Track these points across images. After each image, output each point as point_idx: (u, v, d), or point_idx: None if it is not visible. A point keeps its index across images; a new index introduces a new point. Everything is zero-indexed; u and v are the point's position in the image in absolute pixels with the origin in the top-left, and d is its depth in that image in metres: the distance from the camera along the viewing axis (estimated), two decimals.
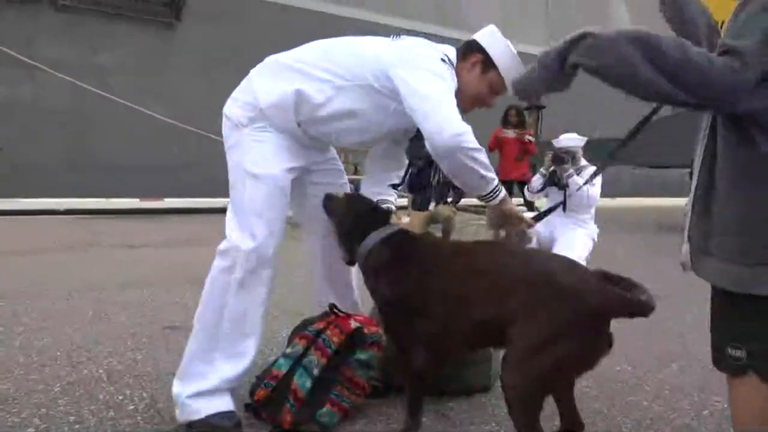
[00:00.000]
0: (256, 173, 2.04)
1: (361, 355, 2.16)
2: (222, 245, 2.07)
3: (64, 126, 11.15)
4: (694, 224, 1.48)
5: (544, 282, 1.72)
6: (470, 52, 2.17)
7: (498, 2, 16.00)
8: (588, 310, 1.68)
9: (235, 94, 2.18)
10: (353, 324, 2.18)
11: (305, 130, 2.14)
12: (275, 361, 2.24)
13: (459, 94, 2.07)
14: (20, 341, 3.02)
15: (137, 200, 10.76)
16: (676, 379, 2.74)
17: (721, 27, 1.54)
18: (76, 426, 2.09)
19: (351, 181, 2.84)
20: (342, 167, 2.50)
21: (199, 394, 2.01)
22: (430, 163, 9.95)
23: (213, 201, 10.51)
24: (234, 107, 2.14)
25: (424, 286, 1.90)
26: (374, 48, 2.11)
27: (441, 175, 9.64)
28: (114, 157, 11.17)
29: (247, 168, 2.06)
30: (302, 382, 2.08)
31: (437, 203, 10.15)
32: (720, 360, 1.48)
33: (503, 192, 2.12)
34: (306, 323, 2.30)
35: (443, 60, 2.06)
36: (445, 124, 1.90)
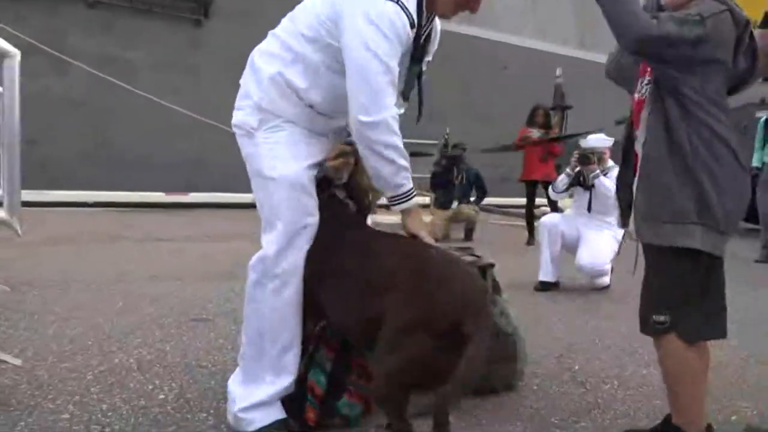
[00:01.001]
0: (274, 176, 1.94)
1: None
2: (253, 258, 1.99)
3: (93, 120, 11.34)
4: (638, 194, 1.83)
5: (410, 280, 1.74)
6: None
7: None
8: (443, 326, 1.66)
9: (236, 103, 2.07)
10: None
11: (320, 111, 2.01)
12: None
13: (435, 4, 1.94)
14: (53, 330, 3.09)
15: (163, 194, 10.90)
16: None
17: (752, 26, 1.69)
18: (109, 413, 2.14)
19: None
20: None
21: (251, 407, 1.98)
22: (453, 163, 10.01)
23: (237, 196, 10.60)
24: (240, 116, 2.03)
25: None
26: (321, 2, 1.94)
27: (464, 175, 9.69)
28: (141, 152, 11.34)
29: (265, 173, 1.96)
30: (318, 379, 2.09)
31: (460, 202, 10.19)
32: (645, 326, 1.85)
33: (412, 202, 1.97)
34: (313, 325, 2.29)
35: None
36: (360, 111, 1.81)
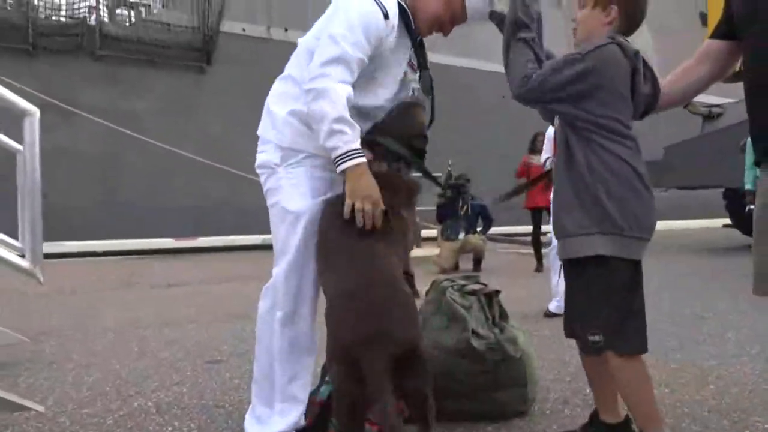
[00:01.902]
0: (293, 210, 2.01)
1: None
2: (266, 285, 2.09)
3: (101, 170, 11.56)
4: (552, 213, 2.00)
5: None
6: None
7: None
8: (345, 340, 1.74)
9: (258, 149, 2.14)
10: None
11: None
12: (316, 389, 2.31)
13: (417, 14, 2.05)
14: (72, 377, 3.15)
15: (172, 240, 11.04)
16: (714, 400, 2.73)
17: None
18: None
19: None
20: None
21: None
22: (458, 194, 10.12)
23: (246, 238, 10.75)
24: (262, 157, 2.10)
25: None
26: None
27: (469, 206, 9.80)
28: (149, 199, 11.52)
29: (285, 206, 2.03)
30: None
31: (467, 233, 10.25)
32: (585, 347, 1.93)
33: (351, 163, 1.86)
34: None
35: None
36: (316, 67, 1.87)
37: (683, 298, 4.99)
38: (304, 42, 2.09)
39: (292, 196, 2.02)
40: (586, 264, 1.87)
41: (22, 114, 2.07)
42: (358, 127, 1.89)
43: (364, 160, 1.88)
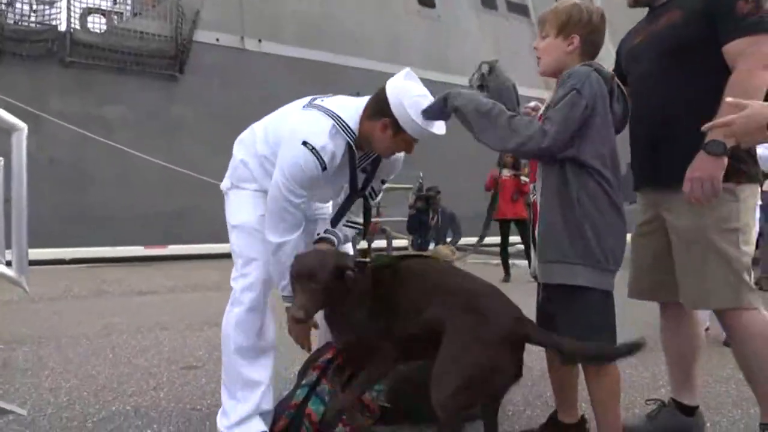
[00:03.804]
0: (236, 224, 2.38)
1: None
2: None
3: (70, 177, 11.45)
4: (537, 238, 2.11)
5: (465, 301, 1.95)
6: (379, 114, 2.15)
7: (490, 46, 16.55)
8: (502, 333, 1.89)
9: (228, 170, 2.49)
10: None
11: None
12: (292, 391, 2.44)
13: (372, 145, 2.22)
14: (48, 383, 3.20)
15: (141, 248, 10.98)
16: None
17: None
18: None
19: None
20: (327, 216, 2.57)
21: (235, 425, 2.29)
22: (428, 205, 10.38)
23: (215, 246, 10.73)
24: (224, 181, 2.48)
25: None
26: (285, 123, 2.29)
27: (439, 217, 10.07)
28: (117, 206, 11.44)
29: (231, 221, 2.41)
30: (316, 408, 2.32)
31: (437, 243, 10.50)
32: (560, 356, 2.02)
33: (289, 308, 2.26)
34: (319, 353, 2.50)
35: (305, 143, 2.12)
36: (270, 233, 2.21)
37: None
38: (270, 124, 2.38)
39: (233, 211, 2.42)
40: (565, 289, 2.01)
41: (10, 128, 2.16)
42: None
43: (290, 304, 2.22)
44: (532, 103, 2.36)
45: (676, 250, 2.20)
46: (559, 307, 2.04)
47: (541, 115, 2.10)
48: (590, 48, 2.12)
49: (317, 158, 2.11)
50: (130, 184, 11.47)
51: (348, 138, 2.19)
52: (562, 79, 2.01)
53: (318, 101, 2.28)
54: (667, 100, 2.17)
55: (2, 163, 2.38)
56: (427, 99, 2.13)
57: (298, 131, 2.15)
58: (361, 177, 2.36)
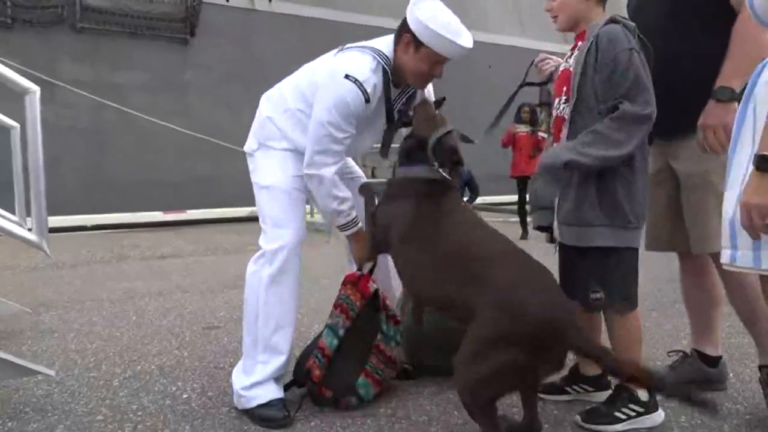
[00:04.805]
0: (266, 185, 2.34)
1: (387, 329, 2.42)
2: (256, 253, 2.34)
3: (86, 145, 11.49)
4: (562, 202, 2.08)
5: (499, 296, 1.76)
6: (401, 33, 2.21)
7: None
8: (536, 323, 1.69)
9: (251, 130, 2.47)
10: (371, 287, 2.42)
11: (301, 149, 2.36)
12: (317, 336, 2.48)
13: (402, 73, 2.25)
14: (75, 345, 3.27)
15: (161, 213, 11.07)
16: None
17: None
18: (139, 413, 2.33)
19: None
20: (360, 175, 2.66)
21: (251, 386, 2.28)
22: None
23: (233, 210, 10.79)
24: (249, 141, 2.45)
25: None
26: (317, 72, 2.31)
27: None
28: (135, 173, 11.49)
29: (260, 182, 2.37)
30: (329, 341, 2.34)
31: None
32: (586, 304, 2.05)
33: (353, 230, 2.35)
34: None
35: (347, 77, 2.15)
36: (313, 167, 2.22)
37: None
38: (302, 75, 2.38)
39: (264, 173, 2.37)
40: (596, 250, 2.03)
41: (23, 92, 2.15)
42: (350, 200, 2.30)
43: (356, 228, 2.33)
44: (541, 56, 2.37)
45: (683, 196, 2.24)
46: (592, 266, 2.06)
47: (567, 68, 2.11)
48: None
49: (361, 90, 2.16)
50: (147, 150, 11.48)
51: (386, 66, 2.23)
52: (600, 43, 1.97)
53: (349, 45, 2.31)
54: (673, 50, 2.14)
55: (18, 129, 2.39)
56: (444, 11, 2.16)
57: (338, 69, 2.19)
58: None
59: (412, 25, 2.15)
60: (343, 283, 2.43)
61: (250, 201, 2.43)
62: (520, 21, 17.19)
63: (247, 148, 2.46)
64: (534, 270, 1.87)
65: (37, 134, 2.15)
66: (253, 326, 2.32)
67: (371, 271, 2.44)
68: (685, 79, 2.13)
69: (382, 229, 2.19)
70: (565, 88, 2.13)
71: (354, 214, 2.33)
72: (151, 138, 11.17)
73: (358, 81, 2.15)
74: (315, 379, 2.30)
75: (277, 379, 2.32)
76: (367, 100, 2.18)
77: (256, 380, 2.27)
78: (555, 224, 2.14)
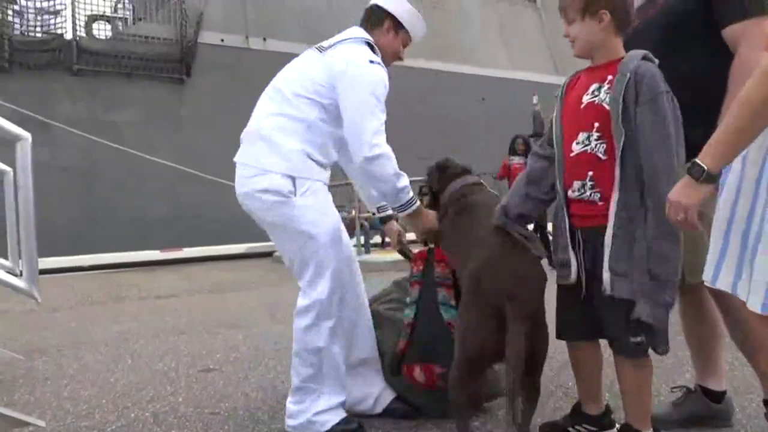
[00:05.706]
0: (314, 233, 2.27)
1: (442, 299, 2.46)
2: (301, 304, 2.32)
3: (82, 183, 11.53)
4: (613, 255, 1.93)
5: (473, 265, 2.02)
6: (382, 19, 2.48)
7: (496, 34, 16.42)
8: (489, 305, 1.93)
9: (249, 172, 2.33)
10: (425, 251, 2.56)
11: (322, 163, 2.41)
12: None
13: (384, 52, 2.46)
14: (68, 392, 3.20)
15: (158, 252, 11.03)
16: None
17: None
18: None
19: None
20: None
21: (321, 412, 2.33)
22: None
23: (230, 247, 10.77)
24: (264, 183, 2.28)
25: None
26: (313, 71, 2.37)
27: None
28: (132, 211, 11.51)
29: (306, 229, 2.27)
30: (406, 313, 2.46)
31: None
32: (622, 348, 1.97)
33: (416, 205, 2.41)
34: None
35: (372, 62, 2.33)
36: (371, 144, 2.22)
37: None
38: (299, 72, 2.40)
39: (316, 221, 2.29)
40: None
41: (14, 139, 2.14)
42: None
43: (418, 204, 2.41)
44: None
45: None
46: (618, 312, 1.94)
47: (592, 102, 1.99)
48: (623, 17, 1.99)
49: (383, 68, 2.34)
50: (144, 188, 11.53)
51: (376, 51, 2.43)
52: (643, 77, 1.88)
53: (327, 43, 2.44)
54: (667, 76, 2.11)
55: (12, 174, 2.37)
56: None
57: (358, 57, 2.30)
58: None
59: (395, 12, 2.46)
60: (414, 261, 2.54)
61: (247, 238, 2.42)
62: (509, 55, 17.44)
63: (281, 187, 2.26)
64: (519, 252, 2.04)
65: (28, 180, 2.14)
66: (317, 370, 2.33)
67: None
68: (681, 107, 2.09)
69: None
70: (597, 124, 1.97)
71: (411, 193, 2.38)
72: (147, 176, 11.21)
73: (380, 64, 2.34)
74: (400, 352, 2.39)
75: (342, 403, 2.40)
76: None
77: (326, 407, 2.34)
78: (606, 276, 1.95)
